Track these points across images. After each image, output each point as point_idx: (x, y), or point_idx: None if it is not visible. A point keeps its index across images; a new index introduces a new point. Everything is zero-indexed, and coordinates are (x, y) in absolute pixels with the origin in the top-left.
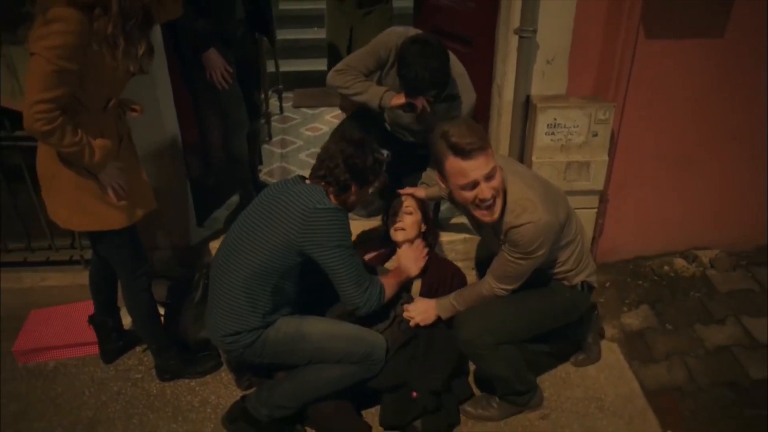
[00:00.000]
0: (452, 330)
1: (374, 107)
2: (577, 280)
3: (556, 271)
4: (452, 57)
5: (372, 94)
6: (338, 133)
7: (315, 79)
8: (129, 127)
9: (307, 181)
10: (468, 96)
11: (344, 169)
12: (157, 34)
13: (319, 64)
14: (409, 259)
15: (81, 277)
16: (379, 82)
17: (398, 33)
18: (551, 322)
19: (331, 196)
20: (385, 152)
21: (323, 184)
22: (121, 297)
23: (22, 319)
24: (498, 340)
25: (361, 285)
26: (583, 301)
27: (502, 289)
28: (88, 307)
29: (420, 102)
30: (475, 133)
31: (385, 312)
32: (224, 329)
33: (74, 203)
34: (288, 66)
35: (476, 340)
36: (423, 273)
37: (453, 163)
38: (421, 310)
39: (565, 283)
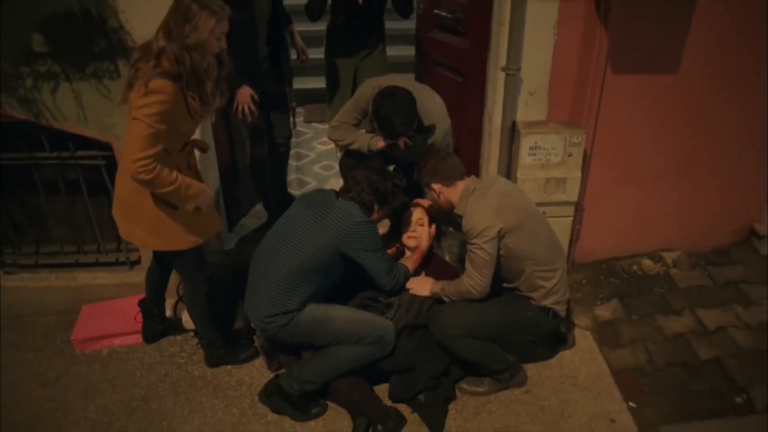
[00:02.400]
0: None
1: (365, 152)
2: (544, 302)
3: (516, 285)
4: (425, 95)
5: (362, 142)
6: (364, 164)
7: (324, 96)
8: (197, 161)
9: (340, 198)
10: (442, 125)
11: (369, 192)
12: None
13: (320, 82)
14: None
15: (126, 276)
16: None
17: (373, 85)
18: (512, 331)
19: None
20: (403, 180)
21: (353, 203)
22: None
23: (77, 312)
24: (460, 334)
25: (390, 273)
26: (546, 323)
27: (473, 280)
28: (133, 302)
29: (400, 142)
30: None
31: (390, 303)
32: (264, 312)
33: (151, 228)
34: (299, 84)
35: (441, 332)
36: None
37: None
38: (419, 284)
39: (533, 302)
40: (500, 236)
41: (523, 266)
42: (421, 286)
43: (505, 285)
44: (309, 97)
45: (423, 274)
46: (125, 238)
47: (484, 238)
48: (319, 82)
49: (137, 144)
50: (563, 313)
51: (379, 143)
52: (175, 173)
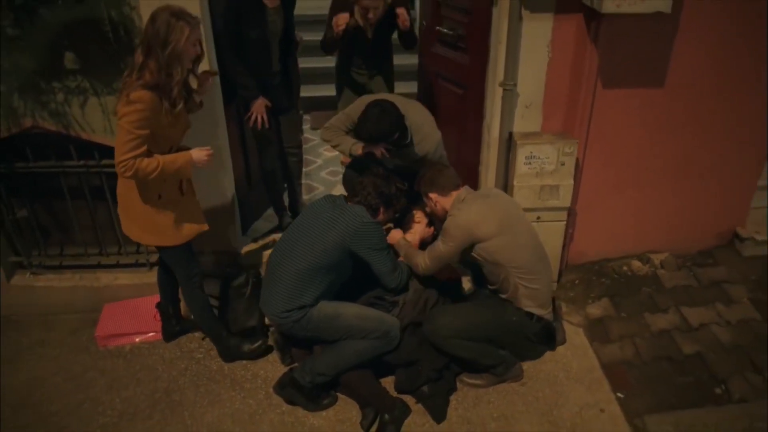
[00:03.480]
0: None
1: (347, 155)
2: (526, 306)
3: (500, 288)
4: (416, 110)
5: (345, 146)
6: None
7: (330, 103)
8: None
9: (349, 202)
10: (432, 136)
11: (375, 195)
12: (216, 87)
13: (333, 90)
14: None
15: (146, 277)
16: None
17: (367, 101)
18: (499, 333)
19: None
20: (405, 184)
21: (360, 206)
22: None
23: (100, 311)
24: (450, 335)
25: (394, 272)
26: (529, 327)
27: (423, 261)
28: (152, 301)
29: (378, 150)
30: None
31: (395, 302)
32: (280, 307)
33: (142, 225)
34: (306, 92)
35: (434, 333)
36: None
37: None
38: (392, 235)
39: (516, 306)
40: (473, 243)
41: (504, 271)
42: (392, 236)
43: (490, 287)
44: (316, 104)
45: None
46: (127, 234)
47: (450, 241)
48: (325, 90)
49: (120, 148)
50: (548, 317)
51: (359, 150)
52: (156, 160)
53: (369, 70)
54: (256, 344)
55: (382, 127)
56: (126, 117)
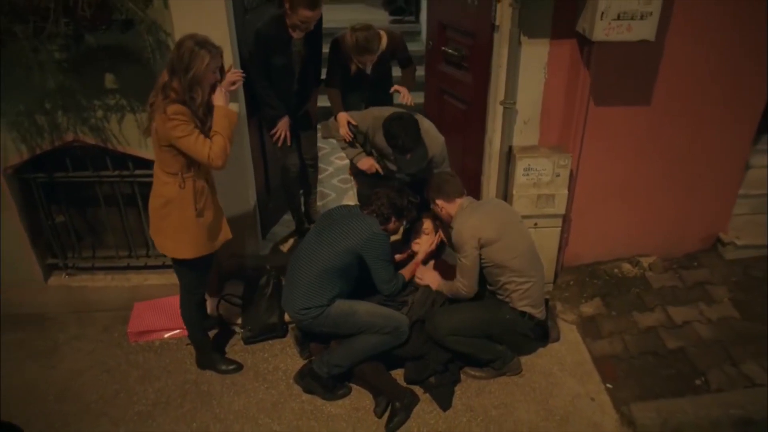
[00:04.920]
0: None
1: (349, 158)
2: (519, 305)
3: (496, 290)
4: (419, 117)
5: (350, 153)
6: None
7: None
8: (213, 176)
9: (364, 211)
10: (438, 139)
11: (388, 206)
12: (241, 102)
13: None
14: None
15: (173, 278)
16: (369, 143)
17: (375, 115)
18: (494, 331)
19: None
20: (417, 197)
21: (373, 216)
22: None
23: (131, 309)
24: (449, 333)
25: (390, 282)
26: (522, 325)
27: (461, 283)
28: (178, 300)
29: (374, 167)
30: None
31: (405, 301)
32: (300, 305)
33: (176, 237)
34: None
35: (435, 331)
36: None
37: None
38: (430, 278)
39: (510, 305)
40: (480, 246)
41: (500, 272)
42: (431, 279)
43: (488, 287)
44: (326, 114)
45: (432, 265)
46: (161, 251)
47: (465, 252)
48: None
49: (198, 150)
50: (540, 316)
51: (360, 163)
52: (216, 134)
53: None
54: (231, 367)
55: (414, 135)
56: (176, 129)
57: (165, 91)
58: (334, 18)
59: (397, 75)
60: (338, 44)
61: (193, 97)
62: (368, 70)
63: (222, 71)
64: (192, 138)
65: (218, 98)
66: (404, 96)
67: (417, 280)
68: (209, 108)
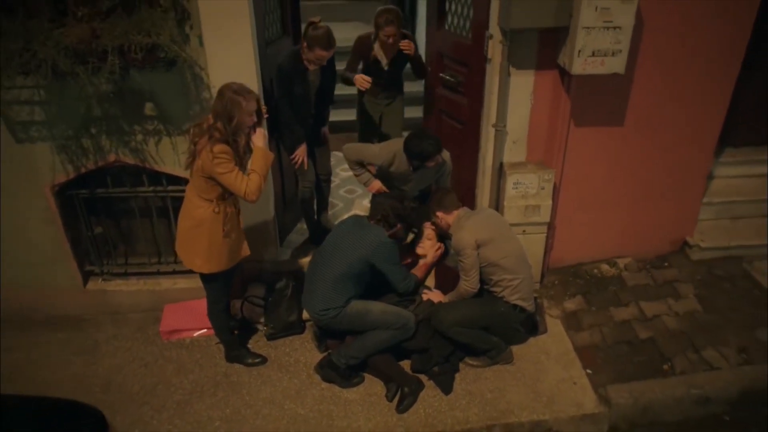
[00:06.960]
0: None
1: (361, 183)
2: (512, 299)
3: (491, 288)
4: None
5: (363, 177)
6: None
7: (346, 127)
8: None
9: (371, 221)
10: (446, 153)
11: (393, 216)
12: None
13: (349, 114)
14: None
15: (200, 282)
16: (387, 171)
17: (391, 149)
18: (490, 322)
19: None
20: (416, 202)
21: (380, 225)
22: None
23: (161, 310)
24: (452, 325)
25: (404, 281)
26: (514, 316)
27: (465, 282)
28: (205, 303)
29: (378, 190)
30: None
31: (412, 300)
32: (319, 306)
33: (206, 255)
34: None
35: (439, 323)
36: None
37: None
38: (435, 296)
39: (504, 299)
40: (477, 247)
41: (494, 271)
42: (436, 297)
43: (485, 287)
44: (335, 128)
45: (434, 272)
46: (188, 266)
47: (464, 253)
48: (344, 115)
49: (238, 186)
50: (530, 309)
51: (371, 186)
52: (253, 172)
53: (386, 98)
54: (257, 360)
55: (436, 139)
56: (220, 167)
57: (210, 132)
58: (337, 37)
59: (408, 90)
60: (361, 39)
61: (237, 141)
62: (385, 66)
63: (259, 114)
64: (233, 175)
65: (258, 140)
66: (404, 45)
67: (423, 297)
68: (249, 148)
